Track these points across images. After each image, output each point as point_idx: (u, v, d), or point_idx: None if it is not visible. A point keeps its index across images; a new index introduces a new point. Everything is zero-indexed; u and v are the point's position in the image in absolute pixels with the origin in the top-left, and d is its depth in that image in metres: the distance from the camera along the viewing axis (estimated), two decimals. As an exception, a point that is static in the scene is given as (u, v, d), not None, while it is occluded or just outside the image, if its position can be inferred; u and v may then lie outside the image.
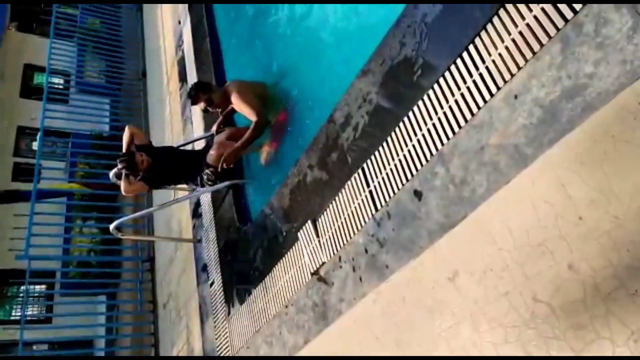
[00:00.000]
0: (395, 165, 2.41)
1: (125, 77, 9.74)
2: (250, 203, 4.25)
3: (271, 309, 3.42)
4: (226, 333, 4.06)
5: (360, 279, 2.57)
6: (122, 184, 4.00)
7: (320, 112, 3.47)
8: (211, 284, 4.48)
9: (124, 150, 4.12)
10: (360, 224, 2.62)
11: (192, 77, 5.80)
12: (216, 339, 4.22)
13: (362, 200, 2.62)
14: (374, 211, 2.53)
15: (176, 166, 4.15)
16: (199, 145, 4.76)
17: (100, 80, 11.07)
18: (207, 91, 4.00)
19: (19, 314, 10.66)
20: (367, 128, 2.65)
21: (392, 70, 2.53)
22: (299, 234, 3.15)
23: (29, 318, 10.98)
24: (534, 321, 1.78)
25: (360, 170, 2.66)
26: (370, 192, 2.57)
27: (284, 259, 3.33)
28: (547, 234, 1.75)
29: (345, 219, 2.75)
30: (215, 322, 4.28)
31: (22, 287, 10.65)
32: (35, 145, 12.09)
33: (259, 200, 4.10)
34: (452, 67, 2.15)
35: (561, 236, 1.71)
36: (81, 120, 9.30)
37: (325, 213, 2.93)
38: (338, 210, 2.82)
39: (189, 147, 4.85)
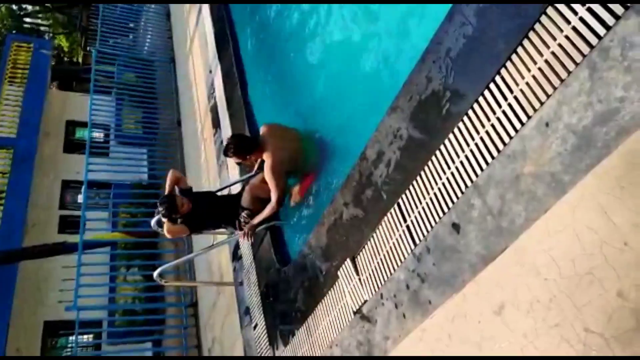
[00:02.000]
0: (431, 199, 2.41)
1: (161, 127, 10.12)
2: (289, 243, 4.29)
3: (316, 350, 3.40)
4: (272, 376, 4.04)
5: (404, 316, 2.54)
6: (165, 225, 4.11)
7: (352, 150, 3.54)
8: (254, 327, 4.49)
9: (166, 192, 4.25)
10: (400, 260, 2.61)
11: (225, 124, 5.99)
12: (262, 382, 4.20)
13: (400, 235, 2.62)
14: (412, 246, 2.52)
15: (215, 210, 4.25)
16: (235, 189, 4.87)
17: (138, 131, 11.53)
18: (244, 152, 3.97)
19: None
20: (400, 163, 2.68)
21: (420, 105, 2.56)
22: (338, 272, 3.15)
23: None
24: (587, 353, 1.72)
25: (396, 206, 2.67)
26: (408, 227, 2.57)
27: (325, 298, 3.33)
28: (593, 261, 1.71)
29: (384, 255, 2.75)
30: (260, 365, 4.27)
31: (71, 338, 10.90)
32: (79, 198, 12.57)
33: (296, 240, 4.14)
34: (481, 99, 2.17)
35: (608, 263, 1.67)
36: (121, 172, 9.65)
37: (363, 250, 2.94)
38: (376, 246, 2.82)
39: (225, 191, 4.96)
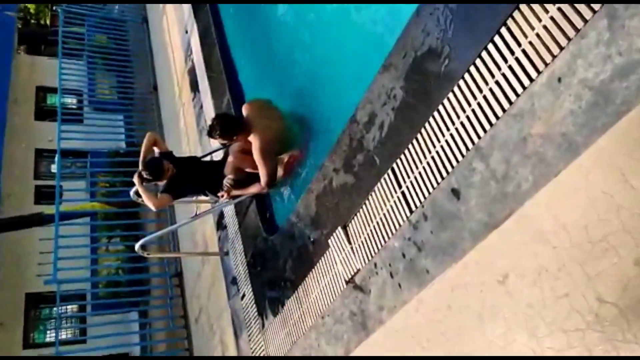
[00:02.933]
0: (428, 163, 2.27)
1: (137, 92, 9.72)
2: (275, 211, 4.14)
3: (307, 320, 3.31)
4: (262, 346, 3.96)
5: (400, 286, 2.44)
6: (148, 200, 3.90)
7: (340, 113, 3.36)
8: (242, 297, 4.38)
9: (141, 156, 4.01)
10: (395, 228, 2.48)
11: (204, 87, 5.71)
12: (252, 352, 4.12)
13: (395, 202, 2.48)
14: (408, 213, 2.39)
15: (199, 176, 4.05)
16: (217, 156, 4.66)
17: (113, 97, 11.10)
18: (230, 133, 3.74)
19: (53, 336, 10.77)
20: (394, 126, 2.51)
21: (416, 62, 2.38)
22: (329, 241, 3.02)
23: (63, 340, 11.11)
24: (600, 324, 1.63)
25: (390, 171, 2.52)
26: (403, 193, 2.43)
27: (315, 268, 3.21)
28: (608, 228, 1.59)
29: (377, 223, 2.61)
30: (249, 335, 4.19)
31: (54, 309, 10.77)
32: (54, 167, 12.19)
33: (283, 208, 3.99)
34: (484, 54, 2.00)
35: (625, 230, 1.56)
36: (97, 139, 9.31)
37: (355, 218, 2.80)
38: (369, 214, 2.68)
39: (207, 158, 4.76)
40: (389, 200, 2.53)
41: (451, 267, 2.12)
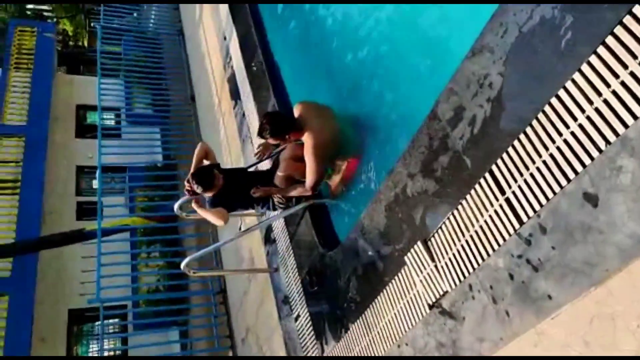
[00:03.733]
0: (545, 162, 1.83)
1: (174, 104, 9.56)
2: (334, 224, 3.74)
3: (378, 348, 2.88)
4: (322, 374, 3.56)
5: (507, 314, 1.99)
6: (211, 214, 3.55)
7: (409, 111, 2.97)
8: (296, 318, 3.99)
9: (192, 168, 3.71)
10: (496, 243, 2.04)
11: (246, 93, 5.40)
12: (310, 380, 3.72)
13: (496, 212, 2.05)
14: (516, 225, 1.95)
15: (247, 187, 3.71)
16: (264, 165, 4.32)
17: (148, 110, 11.07)
18: (282, 132, 3.41)
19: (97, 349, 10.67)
20: (491, 119, 2.08)
21: (522, 38, 1.95)
22: (405, 258, 2.60)
23: (106, 354, 11.00)
24: None
25: (487, 175, 2.09)
26: (508, 200, 1.99)
27: (387, 289, 2.79)
28: None
29: (471, 237, 2.18)
30: (306, 361, 3.79)
31: (97, 323, 10.66)
32: (94, 184, 12.19)
33: (342, 221, 3.60)
34: (628, 18, 1.56)
35: None
36: (135, 153, 9.22)
37: (439, 232, 2.38)
38: (459, 227, 2.25)
39: (252, 169, 4.42)
40: (487, 210, 2.10)
41: (588, 292, 1.67)
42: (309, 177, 3.48)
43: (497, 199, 2.05)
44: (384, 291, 2.82)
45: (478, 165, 2.15)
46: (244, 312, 5.49)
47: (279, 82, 4.85)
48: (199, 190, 3.51)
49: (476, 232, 2.16)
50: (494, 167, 2.06)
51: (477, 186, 2.15)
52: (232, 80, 6.05)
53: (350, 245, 3.22)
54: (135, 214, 10.46)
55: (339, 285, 3.32)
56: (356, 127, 3.61)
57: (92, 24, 14.20)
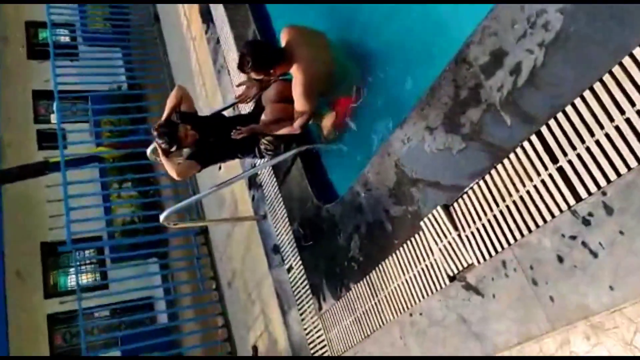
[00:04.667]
0: (618, 128, 1.48)
1: (134, 24, 8.65)
2: (330, 174, 3.38)
3: (385, 312, 2.66)
4: (319, 330, 3.37)
5: (552, 299, 1.73)
6: (170, 166, 3.21)
7: (430, 42, 2.52)
8: (289, 270, 3.75)
9: (164, 115, 3.29)
10: (541, 218, 1.74)
11: (220, 16, 4.75)
12: (306, 334, 3.55)
13: (543, 182, 1.72)
14: (571, 200, 1.63)
15: (228, 137, 3.28)
16: (245, 108, 3.85)
17: (107, 30, 10.12)
18: (266, 66, 2.96)
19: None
20: (544, 68, 1.69)
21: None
22: (422, 223, 2.30)
23: (85, 286, 10.88)
24: None
25: (534, 137, 1.73)
26: (561, 169, 1.66)
27: (398, 252, 2.51)
28: None
29: (507, 207, 1.87)
30: (302, 315, 3.59)
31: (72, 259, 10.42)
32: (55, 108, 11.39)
33: (340, 171, 3.24)
34: None
35: None
36: (96, 74, 8.49)
37: (465, 197, 2.05)
38: (491, 194, 1.93)
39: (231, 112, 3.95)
40: (531, 180, 1.76)
41: (668, 290, 1.40)
42: (298, 116, 3.08)
43: (545, 168, 1.71)
44: (394, 255, 2.54)
45: (521, 125, 1.78)
46: (229, 255, 5.23)
47: (259, 2, 4.22)
48: (163, 145, 3.14)
49: (514, 201, 1.84)
50: (543, 129, 1.70)
51: (518, 149, 1.80)
52: None
53: (351, 200, 2.89)
54: (103, 140, 9.90)
55: (339, 242, 3.03)
56: (355, 59, 3.15)
57: None
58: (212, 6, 4.98)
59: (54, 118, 9.58)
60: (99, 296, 8.58)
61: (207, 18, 5.21)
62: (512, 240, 1.87)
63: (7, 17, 12.56)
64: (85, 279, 12.18)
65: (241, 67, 3.00)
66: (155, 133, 3.18)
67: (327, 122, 3.31)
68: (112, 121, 9.95)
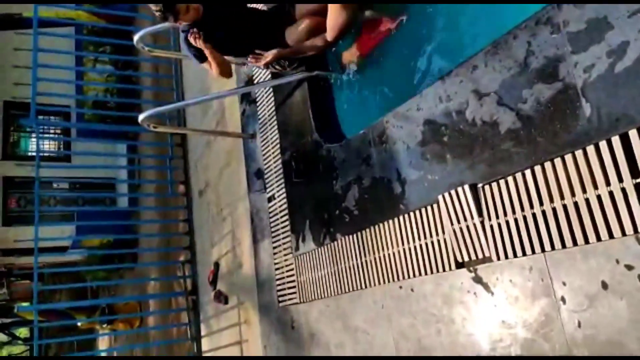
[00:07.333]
0: None
1: None
2: (339, 110, 3.00)
3: (371, 275, 2.45)
4: (291, 270, 3.18)
5: (579, 324, 1.52)
6: (213, 57, 2.79)
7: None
8: (269, 199, 3.47)
9: None
10: (595, 234, 1.47)
11: None
12: (276, 269, 3.35)
13: (611, 193, 1.43)
14: (642, 221, 1.36)
15: (239, 31, 2.82)
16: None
17: None
18: None
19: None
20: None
21: None
22: (440, 196, 2.01)
23: (46, 154, 10.41)
24: None
25: (617, 139, 1.41)
26: (633, 158, 1.37)
27: (400, 218, 2.24)
28: None
29: (552, 209, 1.59)
30: (275, 248, 3.37)
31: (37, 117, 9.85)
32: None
33: (354, 110, 2.86)
34: None
35: None
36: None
37: (501, 183, 1.76)
38: (537, 188, 1.64)
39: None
40: (596, 187, 1.47)
41: None
42: (331, 26, 2.63)
43: (620, 179, 1.41)
44: (395, 219, 2.27)
45: (604, 120, 1.45)
46: (205, 165, 4.89)
47: None
48: (157, 13, 2.64)
49: (564, 207, 1.56)
50: (632, 133, 1.38)
51: (590, 148, 1.48)
52: None
53: (359, 148, 2.56)
54: (81, 7, 8.98)
55: (334, 188, 2.73)
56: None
57: None
58: None
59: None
60: (59, 167, 8.21)
61: None
62: (548, 248, 1.61)
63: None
64: (48, 146, 11.67)
65: None
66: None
67: (349, 49, 2.88)
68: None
